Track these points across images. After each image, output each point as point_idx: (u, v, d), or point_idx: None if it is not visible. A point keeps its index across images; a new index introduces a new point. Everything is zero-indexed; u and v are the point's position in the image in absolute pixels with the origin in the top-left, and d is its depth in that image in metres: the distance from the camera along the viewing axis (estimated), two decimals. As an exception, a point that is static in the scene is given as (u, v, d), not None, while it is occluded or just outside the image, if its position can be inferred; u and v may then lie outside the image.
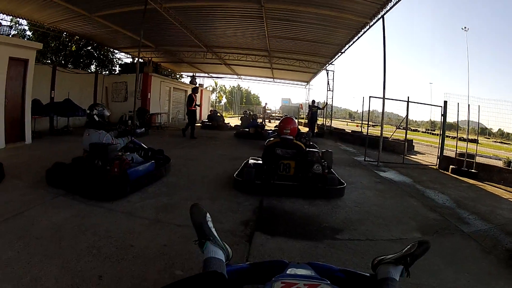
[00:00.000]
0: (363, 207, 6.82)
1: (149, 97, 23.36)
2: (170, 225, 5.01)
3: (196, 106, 16.80)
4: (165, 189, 6.97)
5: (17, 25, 22.74)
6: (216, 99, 53.67)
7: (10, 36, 12.36)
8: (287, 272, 2.50)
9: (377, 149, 12.86)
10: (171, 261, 3.87)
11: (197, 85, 18.28)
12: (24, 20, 18.30)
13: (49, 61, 23.74)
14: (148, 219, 5.18)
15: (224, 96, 65.87)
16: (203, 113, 33.95)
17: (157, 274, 3.59)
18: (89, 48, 26.61)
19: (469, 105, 12.61)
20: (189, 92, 31.34)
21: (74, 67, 23.54)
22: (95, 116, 6.99)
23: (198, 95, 34.07)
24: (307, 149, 7.94)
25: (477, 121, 13.41)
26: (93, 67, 27.89)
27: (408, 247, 2.79)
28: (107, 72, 28.24)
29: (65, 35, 23.14)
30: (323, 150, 8.39)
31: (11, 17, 17.90)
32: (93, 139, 6.67)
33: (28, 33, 24.02)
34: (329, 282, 2.24)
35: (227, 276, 2.49)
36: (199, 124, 25.88)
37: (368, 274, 2.81)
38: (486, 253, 5.01)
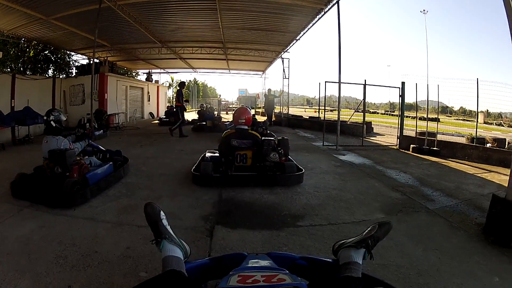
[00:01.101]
0: (323, 191, 6.77)
1: (106, 97, 22.98)
2: (131, 226, 4.93)
3: (185, 102, 16.56)
4: (124, 190, 6.83)
5: None
6: (173, 95, 53.20)
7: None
8: (245, 264, 2.38)
9: (336, 133, 12.85)
10: (135, 264, 3.84)
11: (184, 81, 17.86)
12: None
13: (8, 70, 23.14)
14: (110, 223, 5.11)
15: (181, 90, 65.70)
16: (160, 110, 33.68)
17: (123, 278, 3.55)
18: (47, 52, 25.91)
19: (428, 84, 12.81)
20: (146, 89, 31.23)
21: (32, 73, 22.99)
22: (51, 122, 6.82)
23: (154, 91, 34.05)
24: (263, 138, 7.86)
25: (437, 100, 13.56)
26: (50, 72, 27.27)
27: (369, 229, 2.69)
28: (64, 75, 27.67)
29: (23, 41, 22.37)
30: (279, 138, 8.33)
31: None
32: (52, 146, 6.50)
33: None
34: (287, 271, 2.13)
35: (187, 274, 2.38)
36: (156, 121, 25.64)
37: (330, 260, 2.69)
38: (455, 229, 5.01)
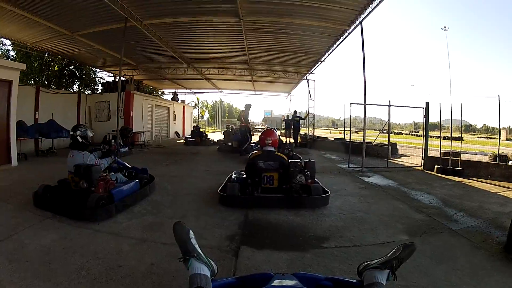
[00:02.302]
0: (349, 213, 6.80)
1: (131, 115, 23.26)
2: (156, 244, 4.96)
3: (249, 123, 16.97)
4: (150, 208, 6.90)
5: (1, 44, 22.65)
6: (198, 115, 53.54)
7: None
8: (272, 284, 2.48)
9: (361, 155, 12.85)
10: (159, 280, 3.84)
11: (249, 104, 18.04)
12: (8, 40, 18.23)
13: (32, 82, 23.64)
14: (135, 239, 5.14)
15: (207, 111, 65.90)
16: (186, 130, 33.92)
17: None
18: (72, 67, 26.50)
19: (451, 104, 12.78)
20: (172, 109, 31.53)
21: (57, 87, 23.55)
22: (78, 137, 6.93)
23: (180, 111, 34.34)
24: (290, 160, 7.92)
25: (461, 119, 13.50)
26: (75, 87, 27.80)
27: (393, 250, 2.76)
28: (90, 91, 28.15)
29: (47, 54, 22.92)
30: (306, 160, 8.31)
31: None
32: (77, 161, 6.64)
33: (12, 53, 23.95)
34: None
35: None
36: (182, 141, 25.81)
37: (355, 281, 2.78)
38: (476, 248, 5.03)
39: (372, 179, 10.93)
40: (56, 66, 25.43)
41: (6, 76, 11.12)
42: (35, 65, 24.32)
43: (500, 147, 12.80)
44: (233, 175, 8.24)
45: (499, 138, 14.06)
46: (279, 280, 2.55)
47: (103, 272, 3.94)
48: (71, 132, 7.02)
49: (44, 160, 13.23)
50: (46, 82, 24.33)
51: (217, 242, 5.13)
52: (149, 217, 6.31)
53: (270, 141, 7.98)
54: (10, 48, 23.56)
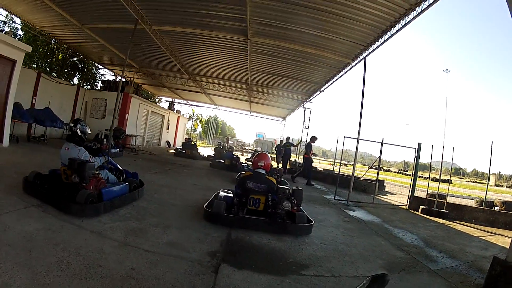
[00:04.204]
0: (330, 244, 6.84)
1: (126, 117, 23.39)
2: (138, 249, 4.97)
3: (312, 155, 17.08)
4: (135, 213, 6.92)
5: (11, 21, 22.71)
6: (192, 127, 53.53)
7: (3, 32, 12.23)
8: None
9: (348, 188, 12.90)
10: (138, 285, 3.85)
11: (316, 136, 17.97)
12: (18, 18, 18.27)
13: (35, 66, 23.62)
14: (117, 241, 5.16)
15: (200, 125, 65.84)
16: (178, 140, 33.94)
17: None
18: (75, 59, 26.63)
19: (443, 147, 12.91)
20: (167, 117, 31.58)
21: (57, 76, 23.60)
22: (78, 131, 7.02)
23: (175, 121, 34.36)
24: (278, 185, 7.98)
25: (451, 162, 13.65)
26: (76, 79, 27.80)
27: (363, 282, 2.75)
28: (89, 86, 28.13)
29: (54, 41, 23.10)
30: (294, 188, 8.36)
31: (6, 12, 18.06)
32: (72, 154, 6.71)
33: (20, 32, 24.02)
34: None
35: None
36: (172, 151, 25.79)
37: None
38: (453, 289, 5.03)
39: (357, 213, 10.98)
40: (60, 55, 25.56)
41: (11, 55, 11.19)
42: (40, 49, 24.43)
43: (488, 192, 12.94)
44: (221, 193, 8.25)
45: (488, 183, 14.19)
46: None
47: (83, 269, 3.96)
48: (72, 125, 7.09)
49: (34, 146, 13.21)
50: (48, 69, 24.40)
51: (198, 256, 5.14)
52: (134, 222, 6.31)
53: (263, 164, 8.07)
54: (19, 27, 23.68)
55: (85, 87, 26.70)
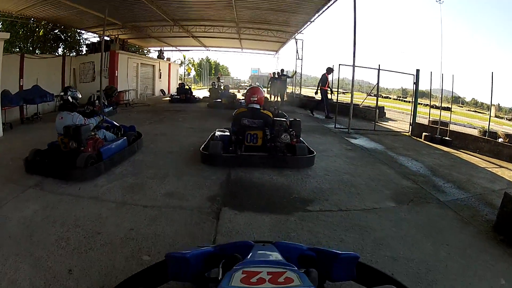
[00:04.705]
0: (334, 176, 6.66)
1: (116, 74, 22.97)
2: (137, 206, 4.89)
3: (328, 89, 16.47)
4: (131, 168, 6.84)
5: None
6: (185, 72, 52.95)
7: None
8: (250, 256, 2.25)
9: (348, 116, 12.65)
10: (138, 246, 3.79)
11: (331, 67, 17.16)
12: None
13: (17, 49, 23.19)
14: (115, 202, 5.06)
15: (193, 68, 65.32)
16: (172, 87, 33.61)
17: (124, 262, 3.49)
18: (57, 31, 26.00)
19: (442, 74, 12.55)
20: (157, 67, 31.19)
21: (41, 52, 23.11)
22: (69, 98, 6.98)
23: (166, 69, 33.93)
24: (275, 118, 7.75)
25: (452, 90, 13.32)
26: (60, 50, 27.24)
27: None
28: (74, 53, 27.61)
29: (32, 21, 22.44)
30: (291, 119, 8.11)
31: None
32: (67, 122, 6.67)
33: None
34: (295, 268, 1.98)
35: (191, 261, 2.36)
36: (167, 98, 25.60)
37: (339, 252, 2.54)
38: (465, 223, 4.85)
39: (359, 141, 10.79)
40: (41, 31, 24.94)
41: (-13, 46, 10.75)
42: (20, 32, 23.88)
43: (490, 123, 12.67)
44: (217, 133, 8.05)
45: (490, 114, 13.85)
46: (260, 252, 2.33)
47: (82, 242, 3.87)
48: (62, 93, 7.16)
49: (29, 127, 12.84)
50: (31, 49, 23.97)
51: (197, 203, 5.07)
52: (130, 178, 6.21)
53: (256, 99, 7.82)
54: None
55: (71, 55, 26.06)
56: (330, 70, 16.21)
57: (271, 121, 7.48)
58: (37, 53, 21.47)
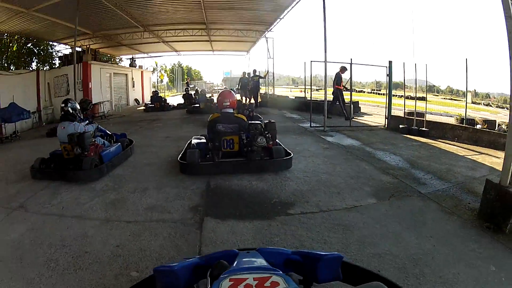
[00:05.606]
0: (313, 176, 6.66)
1: (90, 86, 22.56)
2: (120, 222, 4.89)
3: (343, 87, 16.02)
4: (111, 183, 6.75)
5: None
6: (158, 79, 52.65)
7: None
8: (236, 264, 2.21)
9: (323, 113, 12.69)
10: (125, 263, 3.79)
11: (345, 66, 16.65)
12: None
13: None
14: (98, 220, 5.05)
15: (165, 74, 64.98)
16: (146, 96, 33.39)
17: (114, 279, 3.50)
18: (30, 45, 25.83)
19: (415, 64, 12.59)
20: (130, 75, 30.96)
21: (16, 68, 22.99)
22: (69, 109, 7.59)
23: (139, 77, 33.68)
24: (249, 121, 7.72)
25: (426, 79, 13.38)
26: (34, 65, 26.91)
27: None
28: (48, 67, 27.27)
29: (6, 36, 22.20)
30: (266, 121, 8.11)
31: None
32: (70, 130, 7.20)
33: None
34: (280, 272, 1.95)
35: (179, 274, 2.23)
36: (142, 108, 25.43)
37: (323, 253, 2.51)
38: (448, 214, 4.89)
39: (335, 138, 10.81)
40: (15, 46, 24.61)
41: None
42: None
43: (466, 110, 12.78)
44: (193, 141, 8.02)
45: (466, 101, 13.94)
46: (245, 259, 2.30)
47: (71, 262, 3.85)
48: (63, 105, 7.66)
49: (8, 146, 12.60)
50: (6, 65, 23.58)
51: (180, 215, 5.07)
52: (111, 193, 6.17)
53: (228, 103, 7.69)
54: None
55: (45, 69, 25.75)
56: (344, 69, 15.67)
57: (246, 125, 7.43)
58: (11, 69, 21.37)
